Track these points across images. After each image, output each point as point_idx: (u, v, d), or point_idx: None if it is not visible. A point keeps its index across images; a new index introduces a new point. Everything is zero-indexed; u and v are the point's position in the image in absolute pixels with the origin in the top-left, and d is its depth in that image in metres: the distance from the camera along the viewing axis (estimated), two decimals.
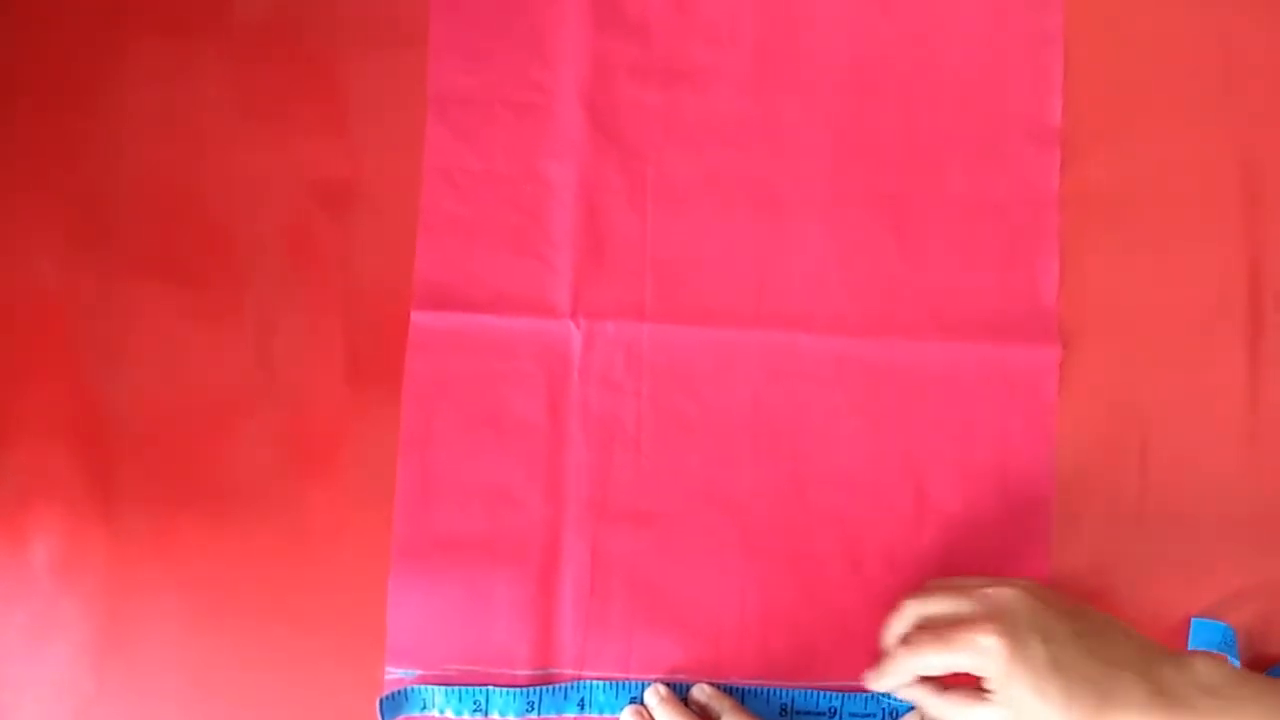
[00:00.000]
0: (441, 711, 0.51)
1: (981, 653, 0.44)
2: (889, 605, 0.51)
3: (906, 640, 0.47)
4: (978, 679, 0.45)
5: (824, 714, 0.51)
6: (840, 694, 0.51)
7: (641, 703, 0.51)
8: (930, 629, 0.47)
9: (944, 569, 0.52)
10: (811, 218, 0.54)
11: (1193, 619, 0.52)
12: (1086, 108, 0.54)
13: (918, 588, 0.50)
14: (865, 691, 0.51)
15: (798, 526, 0.53)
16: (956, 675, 0.46)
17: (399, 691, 0.50)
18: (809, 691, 0.51)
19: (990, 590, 0.46)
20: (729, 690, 0.51)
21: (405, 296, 0.53)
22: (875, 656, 0.51)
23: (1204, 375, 0.54)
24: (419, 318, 0.53)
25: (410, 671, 0.51)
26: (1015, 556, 0.52)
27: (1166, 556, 0.53)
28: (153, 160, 0.53)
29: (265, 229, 0.53)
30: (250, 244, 0.53)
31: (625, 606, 0.52)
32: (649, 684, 0.51)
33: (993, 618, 0.45)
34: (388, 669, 0.51)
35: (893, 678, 0.48)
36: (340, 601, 0.52)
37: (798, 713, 0.51)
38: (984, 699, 0.45)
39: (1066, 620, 0.45)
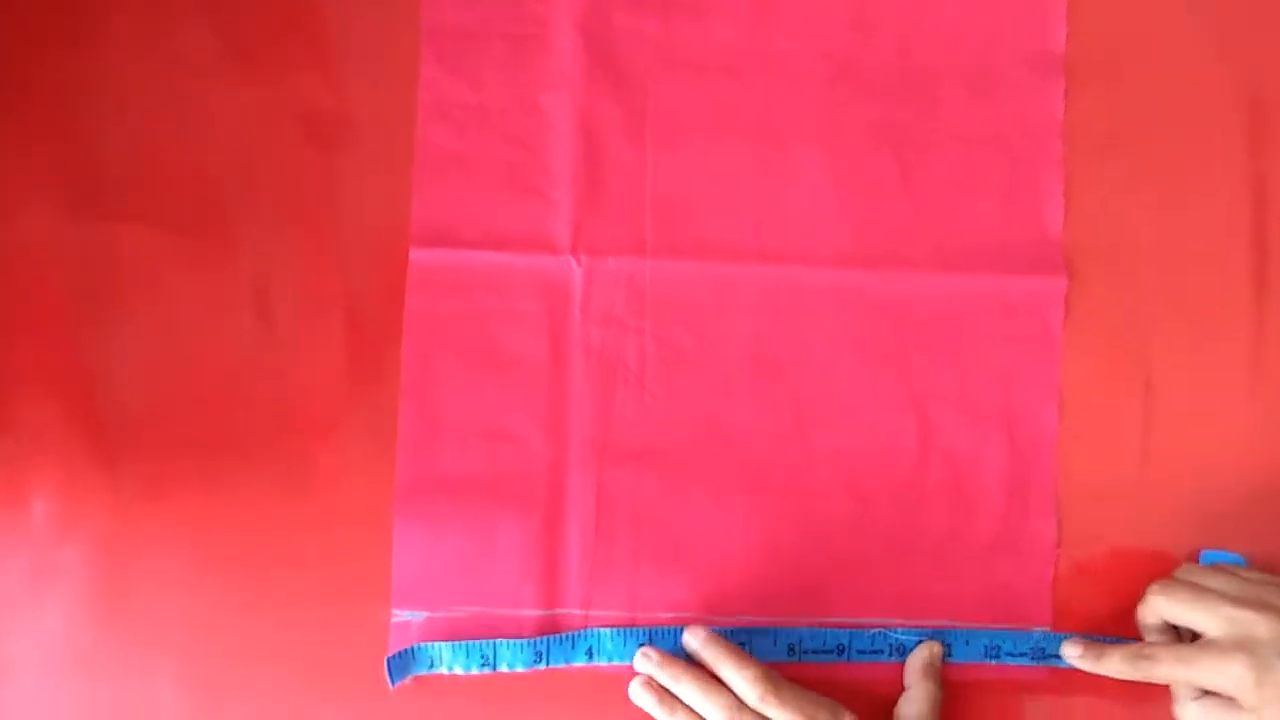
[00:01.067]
0: (449, 668, 0.50)
1: (1228, 680, 0.45)
2: (893, 540, 0.52)
3: (1144, 652, 0.48)
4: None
5: (832, 651, 0.51)
6: (848, 630, 0.51)
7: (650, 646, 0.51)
8: (1170, 643, 0.48)
9: (947, 501, 0.52)
10: (811, 149, 0.53)
11: (1202, 552, 0.52)
12: (1090, 35, 0.54)
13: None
14: (873, 628, 0.51)
15: (801, 462, 0.52)
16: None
17: (405, 651, 0.50)
18: (816, 630, 0.51)
19: (1236, 613, 0.46)
20: (735, 632, 0.51)
21: (402, 235, 0.52)
22: (879, 591, 0.52)
23: (1210, 305, 0.53)
24: (418, 255, 0.52)
25: (417, 614, 0.51)
26: (1019, 490, 0.52)
27: (1174, 491, 0.53)
28: (139, 103, 0.52)
29: (257, 171, 0.52)
30: (242, 187, 0.52)
31: (630, 546, 0.52)
32: (656, 630, 0.51)
33: (1240, 646, 0.45)
34: (394, 612, 0.51)
35: (1118, 672, 0.48)
36: (345, 546, 0.51)
37: (806, 651, 0.51)
38: (1240, 710, 0.46)
39: None
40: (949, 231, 0.53)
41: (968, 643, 0.51)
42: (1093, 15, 0.54)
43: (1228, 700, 0.46)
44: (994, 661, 0.51)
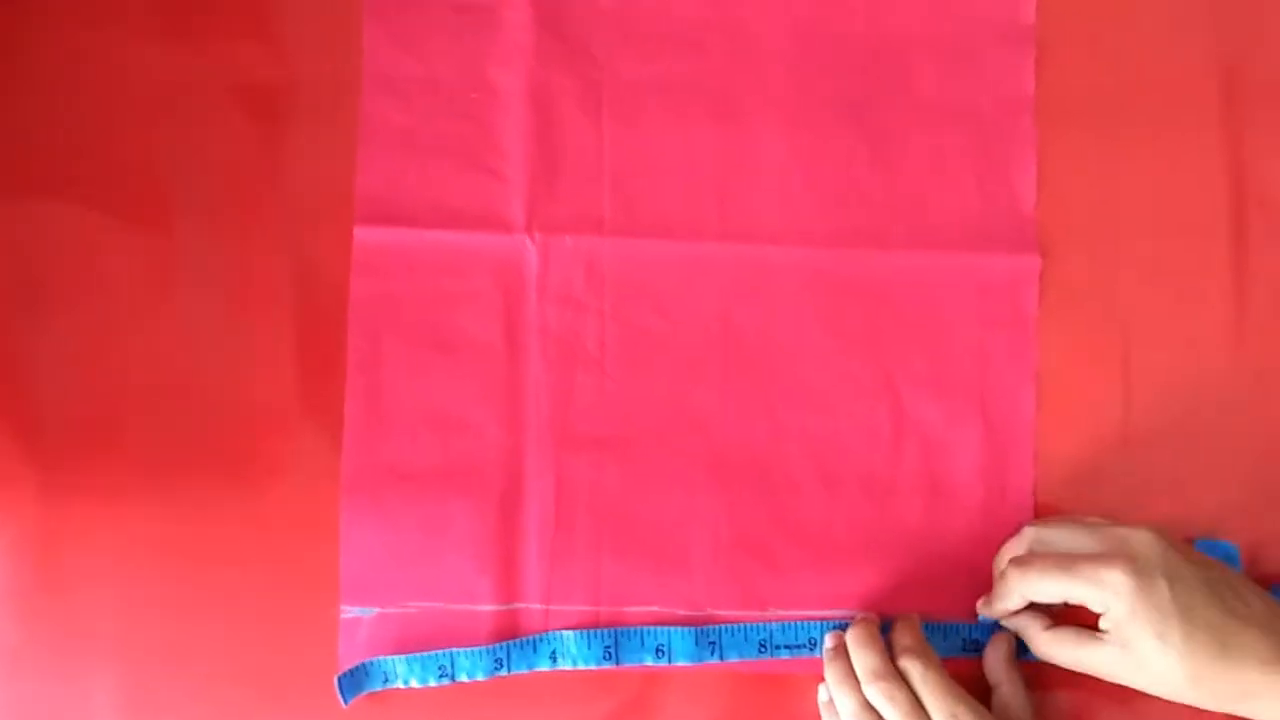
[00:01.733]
0: (405, 682, 0.48)
1: (1107, 588, 0.44)
2: (865, 528, 0.50)
3: (1021, 561, 0.46)
4: (1089, 619, 0.45)
5: (804, 645, 0.49)
6: (820, 623, 0.49)
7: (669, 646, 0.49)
8: (1050, 555, 0.46)
9: (922, 489, 0.51)
10: (775, 124, 0.52)
11: (1195, 541, 0.50)
12: (1060, 5, 0.53)
13: (892, 516, 0.49)
14: (845, 620, 0.49)
15: (769, 449, 0.51)
16: (1066, 611, 0.45)
17: (358, 668, 0.48)
18: (787, 625, 0.49)
19: (1120, 530, 0.46)
20: (704, 632, 0.49)
21: (347, 213, 0.51)
22: (852, 582, 0.50)
23: (1188, 282, 0.52)
24: (363, 234, 0.50)
25: (367, 609, 0.49)
26: (996, 474, 0.51)
27: (1155, 471, 0.51)
28: (67, 72, 0.51)
29: (194, 145, 0.51)
30: (178, 163, 0.51)
31: (591, 536, 0.50)
32: (623, 631, 0.49)
33: (1122, 555, 0.44)
34: (343, 607, 0.49)
35: (1002, 600, 0.47)
36: (289, 539, 0.49)
37: (777, 646, 0.49)
38: (1097, 638, 0.45)
39: (1197, 568, 0.44)
40: (919, 209, 0.52)
41: (945, 637, 0.50)
42: None
43: (1081, 630, 0.46)
44: (974, 655, 0.50)
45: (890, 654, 0.46)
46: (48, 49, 0.51)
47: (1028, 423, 0.51)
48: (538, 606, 0.50)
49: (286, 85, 0.51)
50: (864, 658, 0.46)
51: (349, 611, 0.49)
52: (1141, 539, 0.45)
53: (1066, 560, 0.45)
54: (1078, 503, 0.51)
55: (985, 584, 0.50)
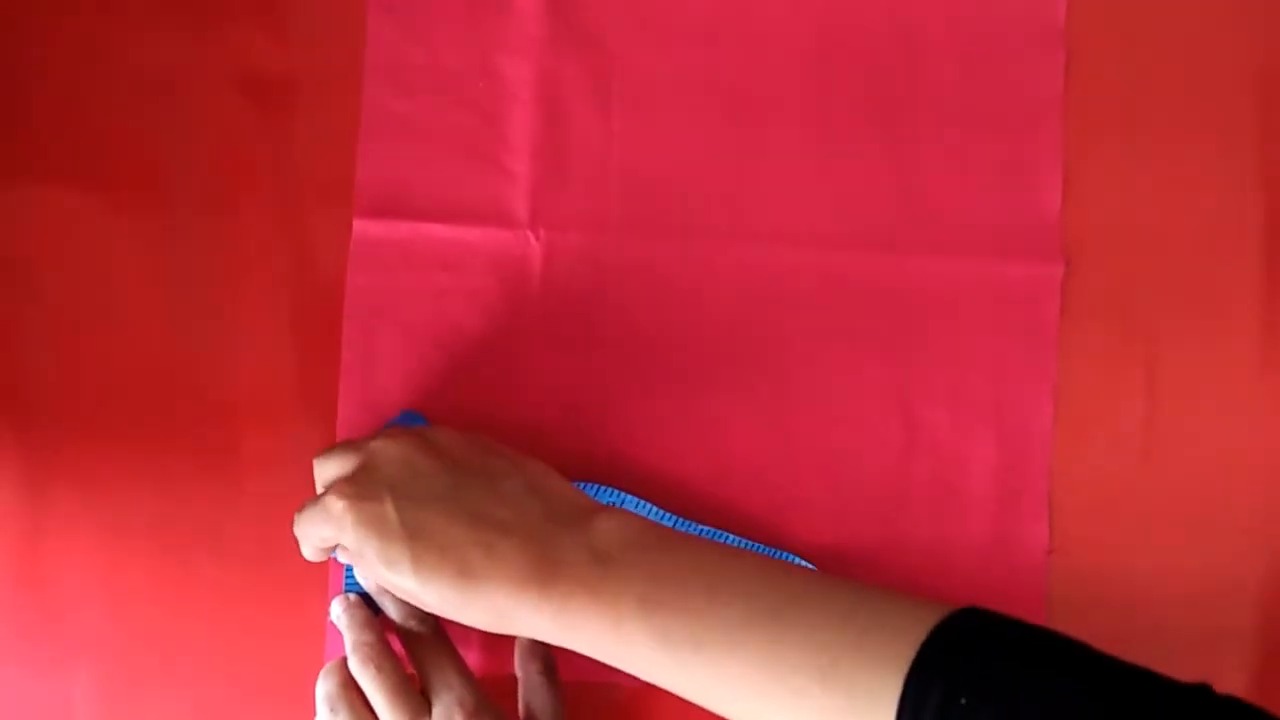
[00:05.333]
0: None
1: (332, 518, 0.41)
2: (874, 538, 0.49)
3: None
4: None
5: None
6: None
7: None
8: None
9: (933, 499, 0.50)
10: (791, 122, 0.51)
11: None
12: (1092, 6, 0.52)
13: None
14: None
15: (776, 454, 0.50)
16: None
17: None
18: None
19: (374, 442, 0.42)
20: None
21: (347, 204, 0.50)
22: None
23: (1216, 294, 0.51)
24: (362, 226, 0.50)
25: None
26: (1010, 486, 0.50)
27: (1177, 493, 0.50)
28: (66, 55, 0.50)
29: (193, 131, 0.50)
30: (176, 149, 0.50)
31: None
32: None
33: (351, 478, 0.41)
34: (333, 609, 0.48)
35: (306, 546, 0.44)
36: (279, 534, 0.48)
37: None
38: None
39: (451, 474, 0.41)
40: (939, 213, 0.51)
41: None
42: None
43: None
44: None
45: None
46: (47, 33, 0.50)
47: (1044, 435, 0.50)
48: None
49: (289, 72, 0.50)
50: (355, 632, 0.44)
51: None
52: (382, 449, 0.41)
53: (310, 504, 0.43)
54: (1094, 519, 0.50)
55: (996, 596, 0.48)
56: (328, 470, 0.44)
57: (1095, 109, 0.51)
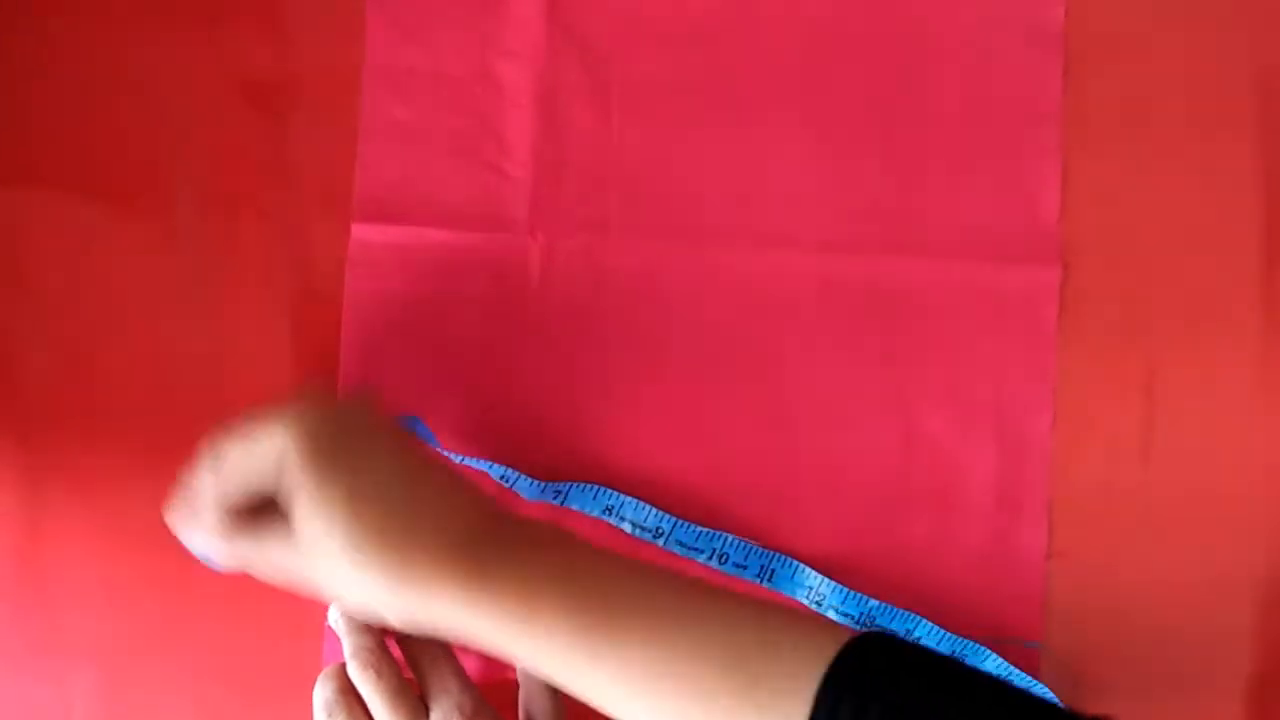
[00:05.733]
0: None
1: (263, 449, 0.38)
2: (872, 543, 0.49)
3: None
4: None
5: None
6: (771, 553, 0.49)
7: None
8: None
9: (932, 504, 0.50)
10: (792, 126, 0.51)
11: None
12: (1091, 10, 0.51)
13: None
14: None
15: (775, 458, 0.50)
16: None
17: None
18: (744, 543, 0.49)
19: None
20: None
21: (346, 209, 0.50)
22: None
23: (1215, 299, 0.51)
24: (360, 231, 0.50)
25: None
26: (1008, 495, 0.50)
27: (1176, 498, 0.50)
28: (64, 57, 0.50)
29: (191, 136, 0.50)
30: (176, 153, 0.50)
31: None
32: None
33: (285, 417, 0.39)
34: (330, 610, 0.48)
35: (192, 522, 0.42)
36: None
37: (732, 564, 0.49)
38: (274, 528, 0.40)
39: (379, 439, 0.40)
40: (937, 216, 0.51)
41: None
42: None
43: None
44: None
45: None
46: (48, 38, 0.50)
47: (1043, 439, 0.50)
48: None
49: (288, 77, 0.50)
50: (354, 637, 0.44)
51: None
52: (312, 405, 0.40)
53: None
54: (1093, 524, 0.50)
55: (995, 602, 0.49)
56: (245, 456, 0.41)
57: (1094, 113, 0.51)
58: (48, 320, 0.49)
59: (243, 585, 0.48)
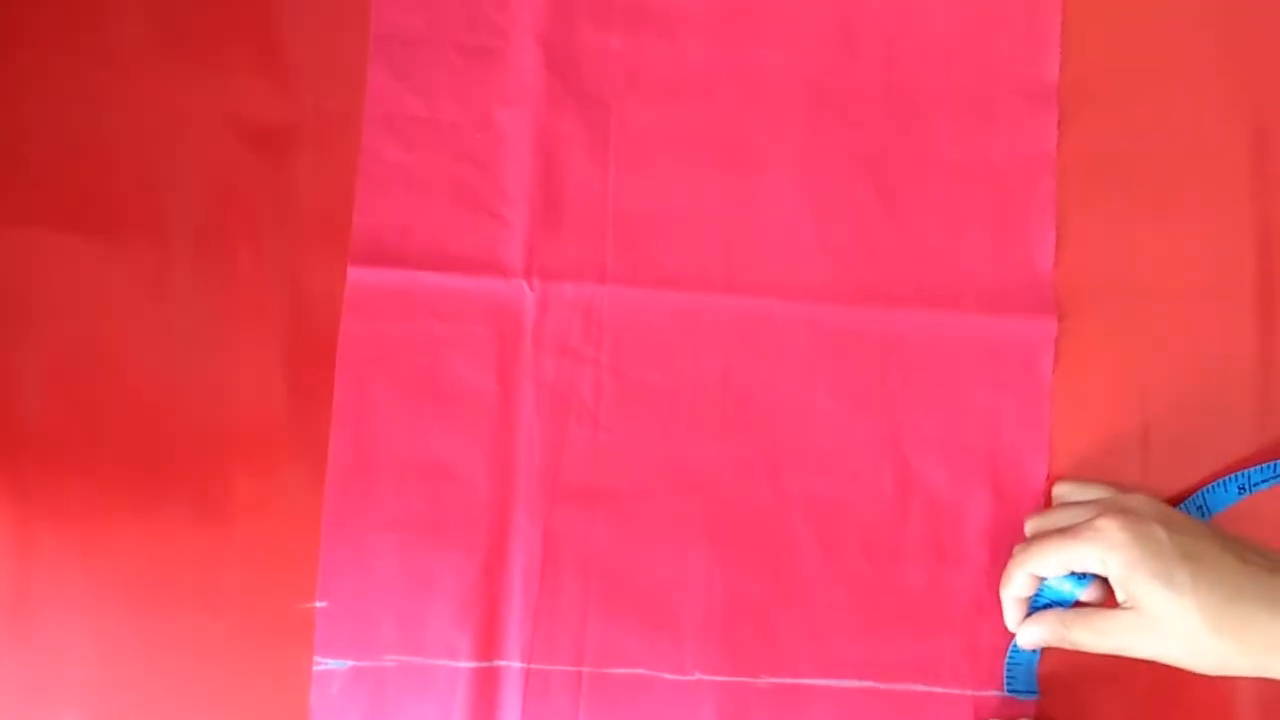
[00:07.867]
0: None
1: (1100, 539, 0.43)
2: (866, 594, 0.49)
3: (1023, 544, 0.47)
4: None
5: None
6: None
7: None
8: (1051, 530, 0.46)
9: (927, 555, 0.49)
10: (787, 176, 0.51)
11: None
12: (1086, 63, 0.52)
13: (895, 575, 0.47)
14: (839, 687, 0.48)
15: (769, 510, 0.50)
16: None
17: None
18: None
19: (1111, 496, 0.46)
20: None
21: (343, 252, 0.50)
22: (850, 651, 0.49)
23: (1211, 351, 0.51)
24: (356, 275, 0.50)
25: (342, 663, 0.48)
26: (1004, 542, 0.49)
27: None
28: (65, 98, 0.50)
29: (190, 177, 0.50)
30: (174, 194, 0.50)
31: (579, 594, 0.49)
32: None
33: (1114, 509, 0.44)
34: (317, 659, 0.48)
35: (1013, 586, 0.46)
36: (266, 585, 0.49)
37: None
38: (1113, 610, 0.44)
39: (1195, 523, 0.44)
40: (933, 266, 0.51)
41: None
42: (1087, 42, 0.52)
43: (1099, 607, 0.45)
44: None
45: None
46: (49, 75, 0.51)
47: (1038, 490, 0.50)
48: (518, 665, 0.48)
49: (288, 119, 0.51)
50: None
51: (323, 664, 0.48)
52: (1136, 498, 0.45)
53: (1064, 529, 0.45)
54: None
55: (990, 652, 0.48)
56: (1051, 520, 0.47)
57: (1088, 164, 0.51)
58: (43, 359, 0.49)
59: (228, 630, 0.48)
